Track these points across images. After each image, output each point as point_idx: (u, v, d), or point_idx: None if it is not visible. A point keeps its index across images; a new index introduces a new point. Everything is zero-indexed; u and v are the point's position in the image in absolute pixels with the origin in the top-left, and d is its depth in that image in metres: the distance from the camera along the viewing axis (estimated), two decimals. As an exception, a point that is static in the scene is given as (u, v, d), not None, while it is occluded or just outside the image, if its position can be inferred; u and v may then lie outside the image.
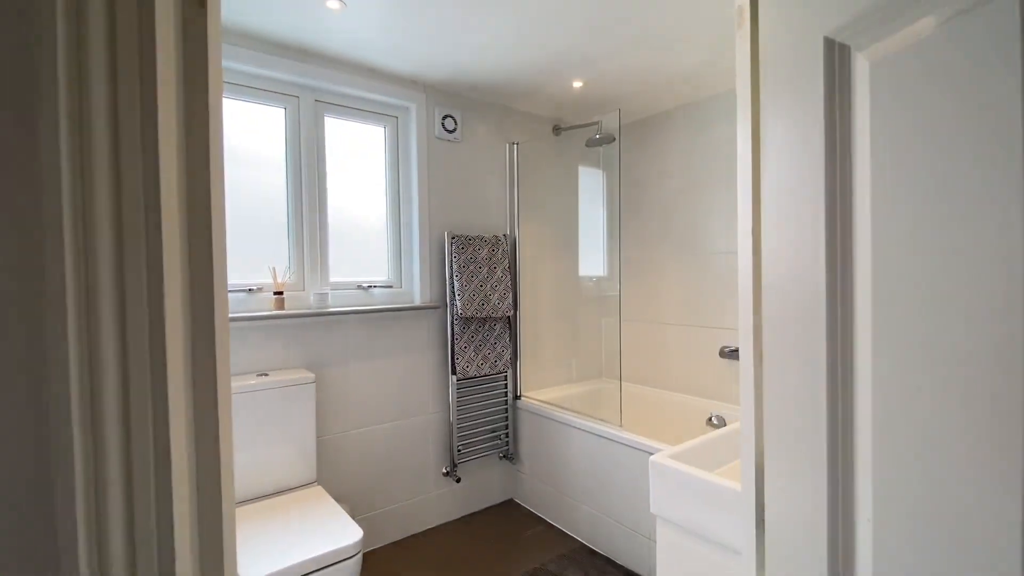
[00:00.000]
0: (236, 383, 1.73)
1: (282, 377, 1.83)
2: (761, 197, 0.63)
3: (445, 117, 2.38)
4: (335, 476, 2.08)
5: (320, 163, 2.10)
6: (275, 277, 1.94)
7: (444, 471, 2.41)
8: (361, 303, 2.19)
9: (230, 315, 1.57)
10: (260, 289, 1.94)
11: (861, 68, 0.51)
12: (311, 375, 1.88)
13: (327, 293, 2.01)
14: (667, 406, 2.68)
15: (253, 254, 1.97)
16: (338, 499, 2.07)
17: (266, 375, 1.84)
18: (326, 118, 2.13)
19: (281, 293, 1.92)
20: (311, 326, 2.01)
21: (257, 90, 1.95)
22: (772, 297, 0.61)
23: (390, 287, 2.30)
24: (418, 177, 2.31)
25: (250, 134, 1.97)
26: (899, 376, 0.47)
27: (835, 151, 0.53)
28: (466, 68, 2.15)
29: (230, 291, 1.85)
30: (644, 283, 2.87)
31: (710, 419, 2.48)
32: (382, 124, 2.30)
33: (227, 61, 1.82)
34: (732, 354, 2.43)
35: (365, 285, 2.21)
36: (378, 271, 2.31)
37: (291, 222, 2.04)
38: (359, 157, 2.25)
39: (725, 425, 2.42)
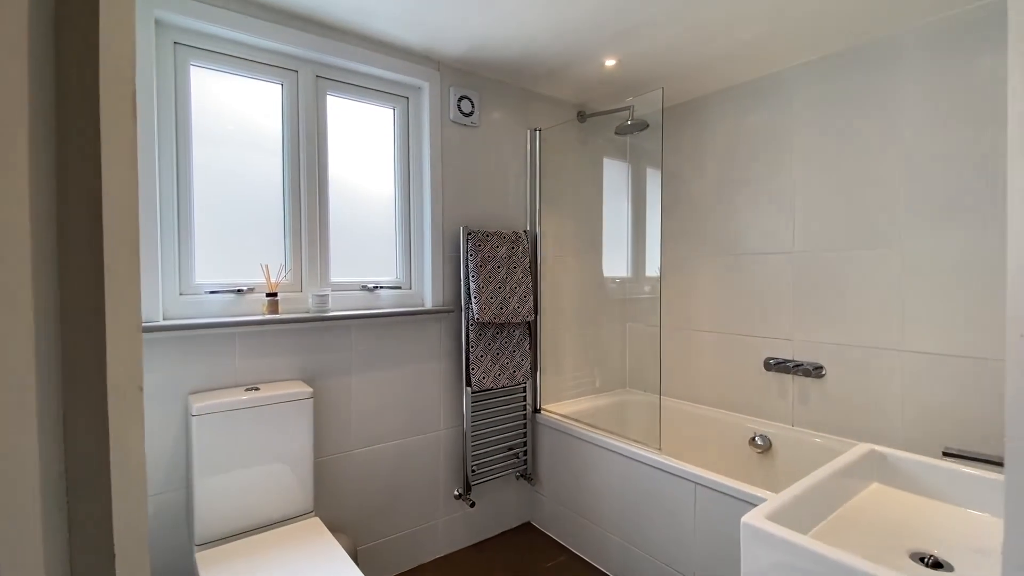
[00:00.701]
0: (222, 398, 1.49)
1: (275, 391, 1.58)
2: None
3: (461, 99, 2.13)
4: (335, 502, 1.84)
5: (321, 147, 1.86)
6: (268, 277, 1.70)
7: (456, 493, 2.16)
8: (366, 306, 1.94)
9: (216, 319, 1.31)
10: (252, 290, 1.69)
11: None
12: (308, 389, 1.63)
13: (327, 295, 1.77)
14: (703, 423, 2.43)
15: (245, 250, 1.72)
16: (338, 530, 1.83)
17: (257, 389, 1.60)
18: (328, 96, 1.88)
19: (275, 295, 1.68)
20: (309, 332, 1.77)
21: (250, 62, 1.70)
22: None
23: (399, 288, 2.05)
24: (431, 165, 2.06)
25: (241, 112, 1.72)
26: None
27: None
28: (484, 42, 1.90)
29: (216, 292, 1.61)
30: (675, 285, 2.62)
31: (753, 439, 2.22)
32: (391, 105, 2.05)
33: (215, 27, 1.57)
34: (779, 367, 2.18)
35: (371, 286, 1.96)
36: (386, 270, 2.06)
37: (288, 214, 1.80)
38: (365, 141, 2.01)
39: (770, 446, 2.17)
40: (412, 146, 2.08)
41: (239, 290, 1.66)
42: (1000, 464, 0.83)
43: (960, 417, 1.69)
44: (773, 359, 2.21)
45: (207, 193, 1.65)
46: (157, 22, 1.51)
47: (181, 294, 1.58)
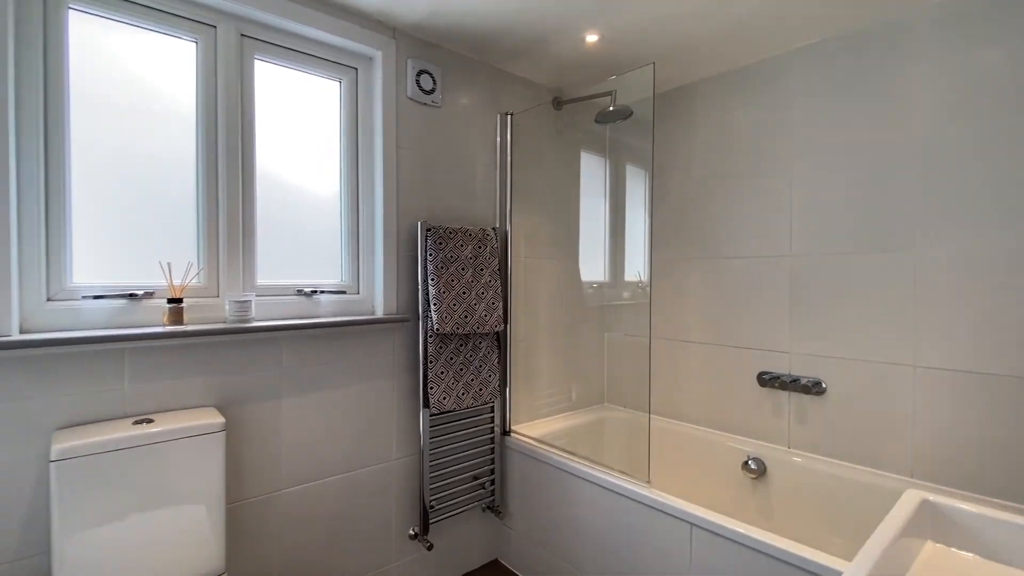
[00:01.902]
0: (99, 435, 1.14)
1: (175, 423, 1.24)
2: None
3: (420, 73, 1.83)
4: (256, 555, 1.50)
5: (247, 122, 1.53)
6: (170, 278, 1.35)
7: (412, 533, 1.85)
8: (302, 314, 1.62)
9: (98, 332, 0.91)
10: (150, 295, 1.35)
11: None
12: (219, 419, 1.30)
13: (250, 301, 1.44)
14: (690, 444, 2.19)
15: (142, 245, 1.37)
16: (261, 588, 1.49)
17: (150, 421, 1.26)
18: (256, 61, 1.55)
19: (180, 301, 1.34)
20: (226, 348, 1.43)
21: (152, 10, 1.36)
22: None
23: (343, 293, 1.73)
24: (384, 149, 1.75)
25: (141, 75, 1.38)
26: None
27: None
28: (447, 6, 1.61)
29: (100, 297, 1.26)
30: (659, 291, 2.38)
31: (746, 463, 2.00)
32: (337, 76, 1.74)
33: (99, -42, 1.23)
34: (774, 382, 1.96)
35: (308, 290, 1.64)
36: (328, 272, 1.74)
37: (201, 202, 1.46)
38: (305, 118, 1.68)
39: (765, 471, 1.94)
40: (362, 126, 1.77)
41: (132, 295, 1.31)
42: None
43: (984, 444, 1.49)
44: (767, 373, 2.00)
45: (91, 173, 1.30)
46: (16, -54, 1.16)
47: (49, 299, 1.23)
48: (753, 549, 1.29)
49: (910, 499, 0.96)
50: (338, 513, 1.68)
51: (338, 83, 1.75)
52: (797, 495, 1.85)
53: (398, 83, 1.78)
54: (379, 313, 1.77)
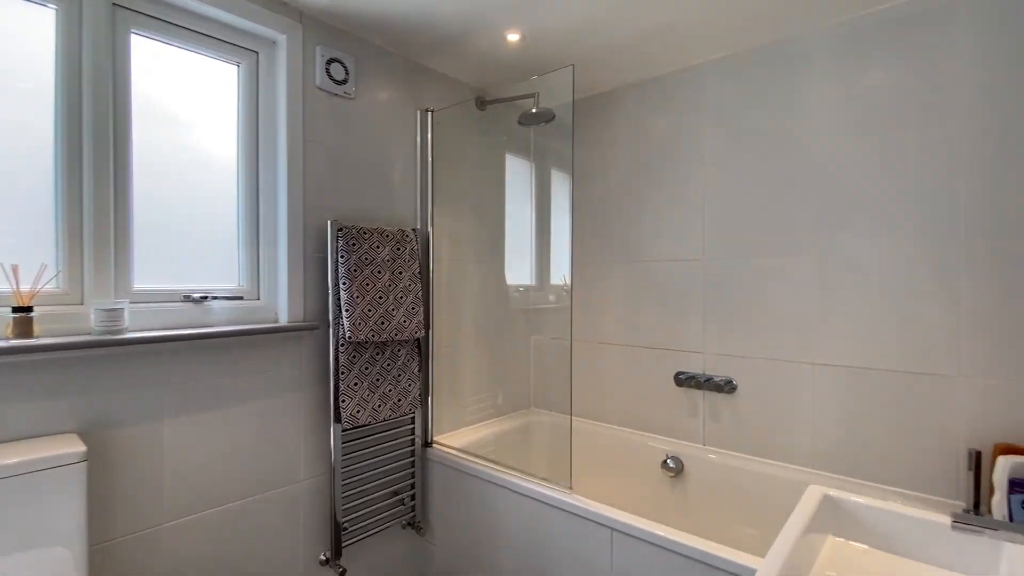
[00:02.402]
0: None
1: (21, 456, 1.04)
2: None
3: (331, 62, 1.70)
4: (135, 601, 1.31)
5: (120, 104, 1.33)
6: (16, 284, 1.14)
7: (323, 559, 1.71)
8: (190, 323, 1.44)
9: None
10: (-9, 302, 1.13)
11: None
12: (78, 447, 1.11)
13: (122, 309, 1.25)
14: (613, 445, 2.21)
15: (-18, 243, 1.15)
16: (138, 639, 1.30)
17: (-11, 453, 1.05)
18: (133, 35, 1.36)
19: (29, 310, 1.13)
20: (92, 363, 1.23)
21: (-7, -34, 1.15)
22: None
23: (240, 299, 1.56)
24: (289, 141, 1.60)
25: (-23, 38, 1.16)
26: None
27: None
28: (362, -11, 1.51)
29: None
30: (582, 295, 2.39)
31: (665, 461, 2.04)
32: (235, 60, 1.57)
33: None
34: (690, 381, 2.02)
35: (198, 296, 1.46)
36: (223, 275, 1.57)
37: (61, 194, 1.25)
38: (196, 103, 1.50)
39: (683, 469, 2.00)
40: (264, 115, 1.61)
41: (-37, 303, 1.09)
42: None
43: (870, 433, 1.61)
44: (683, 373, 2.06)
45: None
46: None
47: None
48: (672, 551, 1.29)
49: (812, 495, 0.99)
50: (235, 545, 1.50)
51: (236, 67, 1.58)
52: (713, 491, 1.91)
53: (305, 71, 1.65)
54: (283, 321, 1.61)
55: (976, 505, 1.40)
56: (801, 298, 1.76)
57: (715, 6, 1.58)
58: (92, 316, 1.23)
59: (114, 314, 1.22)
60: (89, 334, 1.23)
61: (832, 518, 0.99)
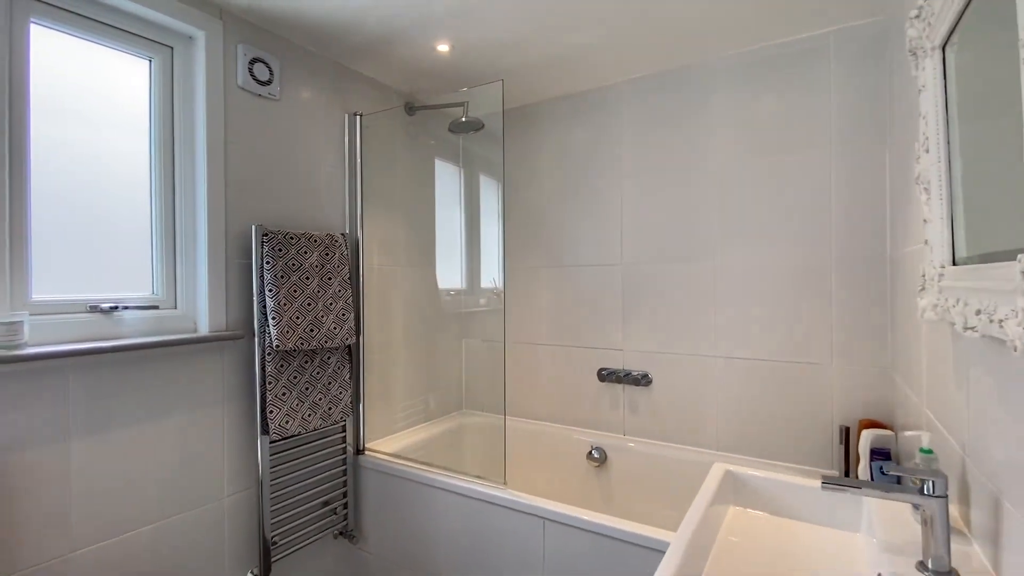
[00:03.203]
0: None
1: None
2: None
3: (254, 61, 1.65)
4: (36, 640, 1.20)
5: (16, 97, 1.21)
6: None
7: (252, 575, 1.65)
8: (97, 336, 1.34)
9: None
10: None
11: None
12: (-28, 477, 1.00)
13: (20, 323, 1.14)
14: (542, 440, 2.32)
15: None
16: None
17: None
18: (32, 25, 1.25)
19: (-97, 325, 1.01)
20: (-18, 382, 1.12)
21: None
22: None
23: (155, 308, 1.47)
24: (208, 141, 1.54)
25: None
26: None
27: None
28: (289, -10, 1.48)
29: None
30: (512, 297, 2.48)
31: (590, 452, 2.18)
32: (146, 55, 1.48)
33: None
34: (611, 376, 2.17)
35: (107, 306, 1.36)
36: (134, 283, 1.47)
37: (-60, 194, 1.12)
38: (103, 100, 1.40)
39: (606, 459, 2.14)
40: (181, 113, 1.53)
41: None
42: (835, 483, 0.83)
43: (767, 417, 1.84)
44: (606, 369, 2.21)
45: None
46: None
47: None
48: (597, 533, 1.41)
49: (716, 472, 1.14)
50: (155, 568, 1.41)
51: (148, 62, 1.49)
52: (633, 477, 2.08)
53: (226, 69, 1.58)
54: (203, 331, 1.54)
55: (847, 472, 1.66)
56: (703, 299, 1.97)
57: (626, 32, 1.73)
58: (-18, 331, 1.11)
59: (12, 328, 1.12)
60: (-22, 351, 1.11)
61: (733, 491, 1.14)
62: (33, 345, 1.19)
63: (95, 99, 1.38)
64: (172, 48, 1.52)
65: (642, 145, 2.11)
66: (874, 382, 1.67)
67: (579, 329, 2.29)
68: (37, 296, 1.26)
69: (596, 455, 2.17)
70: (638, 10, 1.59)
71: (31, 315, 1.22)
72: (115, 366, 1.34)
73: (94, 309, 1.34)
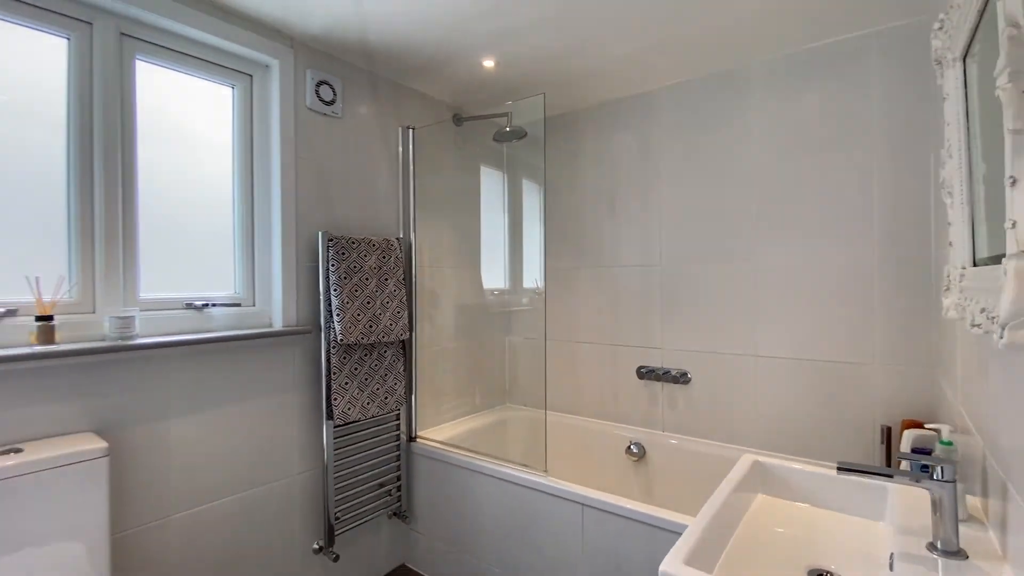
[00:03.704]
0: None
1: (49, 452, 1.15)
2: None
3: (320, 84, 1.84)
4: (146, 587, 1.41)
5: (127, 124, 1.44)
6: (39, 293, 1.24)
7: (316, 547, 1.83)
8: (192, 329, 1.55)
9: None
10: (13, 312, 1.22)
11: None
12: (101, 444, 1.21)
13: (133, 317, 1.35)
14: (583, 435, 2.41)
15: (3, 257, 1.24)
16: (150, 621, 1.40)
17: (19, 451, 1.15)
18: (138, 61, 1.47)
19: (50, 319, 1.23)
20: (106, 367, 1.34)
21: (20, 3, 1.24)
22: None
23: (238, 306, 1.68)
24: (282, 157, 1.73)
25: (4, 68, 1.25)
26: None
27: None
28: (349, 21, 1.65)
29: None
30: (554, 297, 2.58)
31: (629, 447, 2.25)
32: (230, 82, 1.69)
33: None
34: (650, 374, 2.24)
35: (199, 304, 1.57)
36: (221, 284, 1.68)
37: (74, 209, 1.35)
38: (195, 123, 1.61)
39: (644, 454, 2.21)
40: (258, 133, 1.73)
41: (-12, 313, 1.19)
42: (867, 472, 0.88)
43: (805, 416, 1.86)
44: (644, 367, 2.27)
45: (-68, 175, 1.15)
46: None
47: None
48: (632, 519, 1.49)
49: (744, 461, 1.20)
50: (236, 535, 1.62)
51: (231, 88, 1.70)
52: (672, 471, 2.13)
53: (296, 92, 1.77)
54: (277, 326, 1.74)
55: (887, 472, 1.66)
56: (743, 299, 2.00)
57: (667, 41, 1.80)
58: (106, 324, 1.33)
59: (127, 321, 1.33)
60: (102, 340, 1.33)
61: (761, 481, 1.20)
62: (143, 336, 1.41)
63: (190, 124, 1.60)
64: (251, 76, 1.72)
65: (680, 148, 2.16)
66: (917, 382, 1.66)
67: (618, 328, 2.36)
68: (144, 295, 1.48)
69: (635, 450, 2.24)
70: (682, 20, 1.65)
71: (141, 311, 1.43)
72: (206, 355, 1.54)
73: (189, 306, 1.55)
